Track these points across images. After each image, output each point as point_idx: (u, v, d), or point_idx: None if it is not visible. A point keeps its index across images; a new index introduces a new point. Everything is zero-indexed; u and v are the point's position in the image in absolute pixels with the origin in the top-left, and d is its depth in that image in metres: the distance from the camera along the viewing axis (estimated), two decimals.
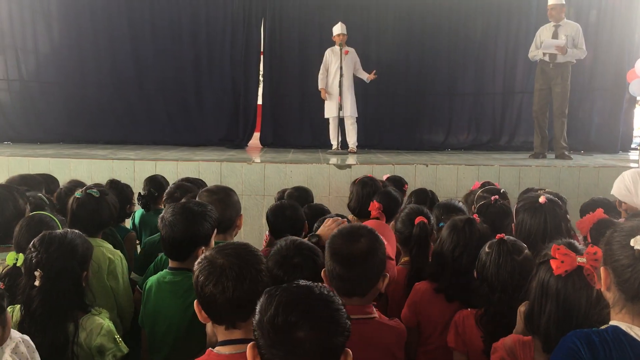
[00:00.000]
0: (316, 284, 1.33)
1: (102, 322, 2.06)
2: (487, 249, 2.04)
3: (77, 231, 2.18)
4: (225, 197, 2.58)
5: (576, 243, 1.68)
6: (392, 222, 3.04)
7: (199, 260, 1.66)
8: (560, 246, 1.59)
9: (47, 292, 1.94)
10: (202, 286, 1.60)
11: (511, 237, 2.08)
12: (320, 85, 7.17)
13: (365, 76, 7.19)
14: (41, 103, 7.98)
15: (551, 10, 6.82)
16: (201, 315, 1.65)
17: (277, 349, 1.21)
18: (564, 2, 6.86)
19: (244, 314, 1.55)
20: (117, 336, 2.10)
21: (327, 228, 2.41)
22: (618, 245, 1.36)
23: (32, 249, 2.00)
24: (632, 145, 8.42)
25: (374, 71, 7.13)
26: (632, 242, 1.32)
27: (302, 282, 1.34)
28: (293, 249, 2.02)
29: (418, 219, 2.53)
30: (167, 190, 3.39)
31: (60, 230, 2.13)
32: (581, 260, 1.56)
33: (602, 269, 1.42)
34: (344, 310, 1.29)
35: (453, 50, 8.41)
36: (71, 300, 2.02)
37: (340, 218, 2.50)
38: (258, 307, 1.28)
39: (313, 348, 1.21)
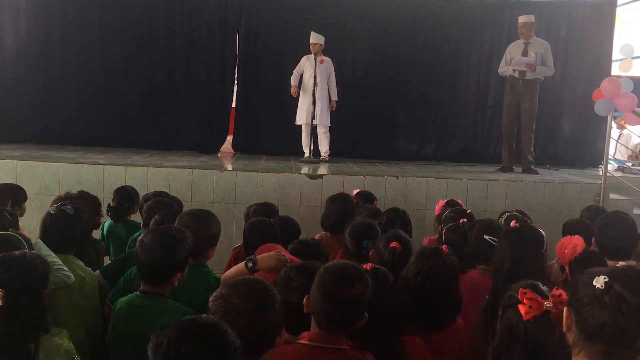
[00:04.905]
0: (200, 315, 1.45)
1: (60, 342, 2.08)
2: None
3: (34, 252, 2.23)
4: (203, 226, 2.58)
5: (539, 284, 1.73)
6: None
7: (213, 297, 1.68)
8: (526, 290, 1.64)
9: (9, 311, 1.96)
10: None
11: None
12: (293, 83, 7.19)
13: (332, 98, 7.24)
14: (6, 101, 7.77)
15: (521, 27, 6.99)
16: None
17: None
18: (534, 20, 7.02)
19: (258, 350, 1.62)
20: (75, 357, 2.11)
21: (266, 260, 2.39)
22: (582, 285, 1.39)
23: None
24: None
25: (335, 101, 7.23)
26: (594, 282, 1.36)
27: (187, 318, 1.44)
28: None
29: (392, 244, 2.58)
30: (145, 207, 3.36)
31: (18, 252, 2.14)
32: (548, 304, 1.61)
33: (565, 309, 1.45)
34: (230, 331, 1.40)
35: (427, 62, 8.47)
36: (34, 319, 2.04)
37: (282, 255, 2.45)
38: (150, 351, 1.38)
39: None
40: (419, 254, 2.35)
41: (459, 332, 2.31)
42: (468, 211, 3.49)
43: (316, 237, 3.45)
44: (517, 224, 2.44)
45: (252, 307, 1.62)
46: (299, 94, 7.23)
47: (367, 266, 2.08)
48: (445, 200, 4.00)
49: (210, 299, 1.69)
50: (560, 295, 1.60)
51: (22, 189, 3.69)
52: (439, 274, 2.23)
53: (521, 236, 2.46)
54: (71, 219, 2.72)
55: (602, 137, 7.84)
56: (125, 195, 3.85)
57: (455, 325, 2.30)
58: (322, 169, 6.30)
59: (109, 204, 3.82)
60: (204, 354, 1.34)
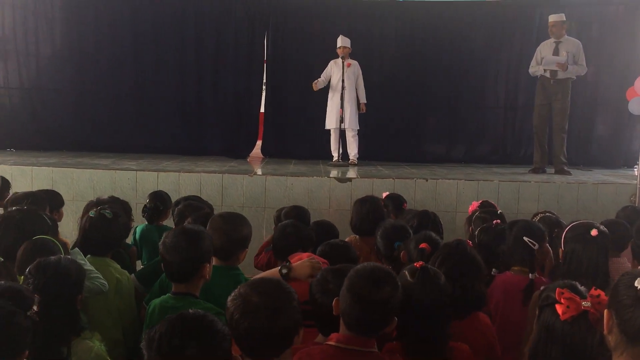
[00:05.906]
0: (187, 310, 1.54)
1: (92, 345, 2.14)
2: None
3: (69, 257, 2.28)
4: (234, 229, 2.61)
5: (577, 284, 1.71)
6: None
7: (232, 296, 1.71)
8: (564, 290, 1.61)
9: (44, 316, 1.98)
10: (236, 323, 1.65)
11: None
12: (316, 81, 7.18)
13: (361, 101, 7.21)
14: (43, 111, 8.02)
15: (552, 27, 6.88)
16: (233, 348, 1.72)
17: None
18: (565, 19, 6.90)
19: (277, 349, 1.65)
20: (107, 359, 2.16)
21: (300, 268, 2.40)
22: (623, 287, 1.37)
23: (28, 276, 2.08)
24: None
25: (364, 104, 7.19)
26: (636, 283, 1.34)
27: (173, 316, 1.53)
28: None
29: (421, 245, 2.58)
30: (176, 211, 3.42)
31: (54, 257, 2.19)
32: (586, 304, 1.59)
33: (605, 311, 1.43)
34: (217, 320, 1.52)
35: (455, 63, 8.40)
36: (67, 324, 2.10)
37: (315, 260, 2.46)
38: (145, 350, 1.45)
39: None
40: (442, 246, 2.41)
41: (485, 332, 2.27)
42: (498, 211, 3.45)
43: (346, 240, 3.45)
44: (597, 233, 2.48)
45: (270, 305, 1.64)
46: (326, 88, 7.21)
47: (418, 264, 2.07)
48: (479, 202, 3.95)
49: (229, 298, 1.71)
50: (598, 296, 1.58)
51: (59, 195, 3.78)
52: (456, 260, 2.26)
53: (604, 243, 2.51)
54: (110, 223, 2.80)
55: (637, 136, 7.70)
56: (161, 199, 3.94)
57: (478, 321, 2.27)
58: (351, 173, 6.30)
59: (145, 205, 3.91)
60: (194, 343, 1.43)
